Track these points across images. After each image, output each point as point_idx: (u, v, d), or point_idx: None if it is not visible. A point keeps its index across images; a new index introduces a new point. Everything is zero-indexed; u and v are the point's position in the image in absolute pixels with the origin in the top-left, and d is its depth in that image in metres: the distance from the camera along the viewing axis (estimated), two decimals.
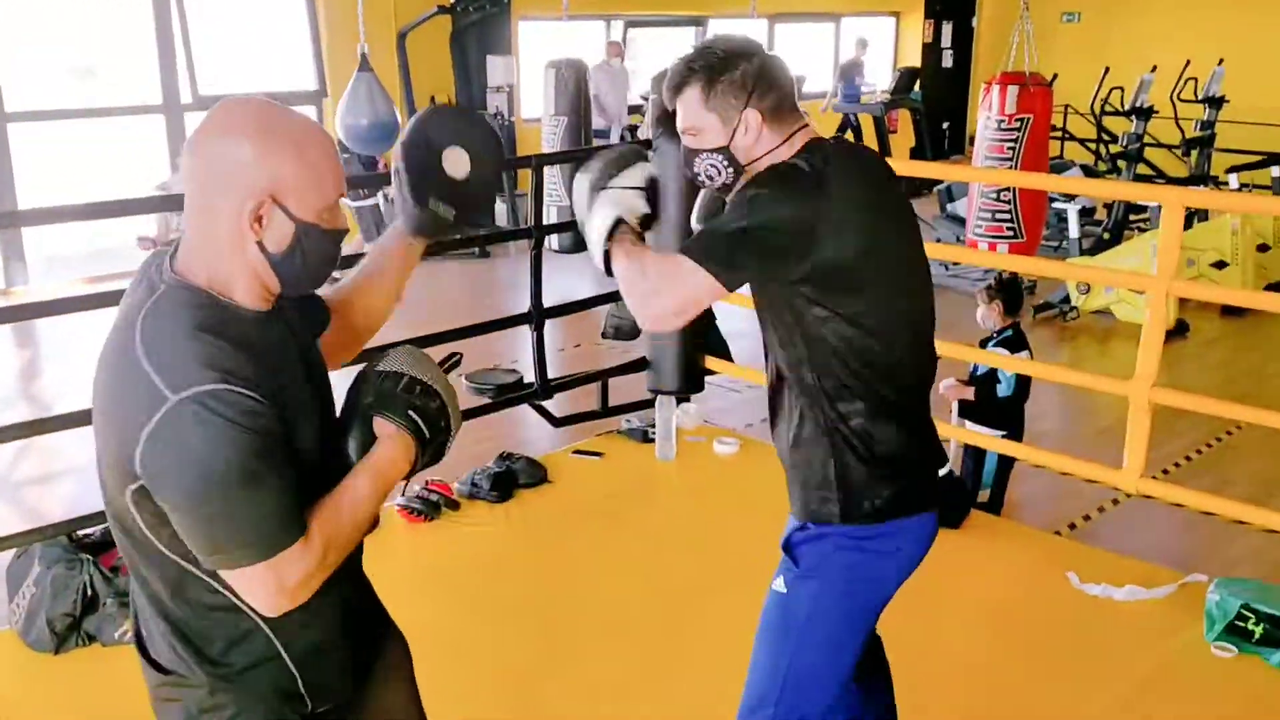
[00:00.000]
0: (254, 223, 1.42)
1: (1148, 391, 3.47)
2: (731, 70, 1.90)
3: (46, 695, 3.06)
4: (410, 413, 1.54)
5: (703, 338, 4.47)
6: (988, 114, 7.22)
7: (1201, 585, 3.42)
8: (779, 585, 2.05)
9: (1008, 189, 7.12)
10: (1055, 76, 8.77)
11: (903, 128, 13.94)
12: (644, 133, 4.41)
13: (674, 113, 2.00)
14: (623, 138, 9.73)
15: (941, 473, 3.92)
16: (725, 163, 1.95)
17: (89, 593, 3.17)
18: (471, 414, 4.28)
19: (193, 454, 1.32)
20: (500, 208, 10.09)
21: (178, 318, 1.39)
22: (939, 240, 9.14)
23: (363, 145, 8.18)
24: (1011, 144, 7.14)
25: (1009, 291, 4.40)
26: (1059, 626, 3.39)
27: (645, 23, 12.39)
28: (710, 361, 4.58)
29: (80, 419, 3.82)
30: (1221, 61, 10.86)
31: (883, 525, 1.98)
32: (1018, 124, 7.08)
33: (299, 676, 1.56)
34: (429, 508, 3.95)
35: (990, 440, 4.23)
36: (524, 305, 4.45)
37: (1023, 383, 4.35)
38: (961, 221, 8.67)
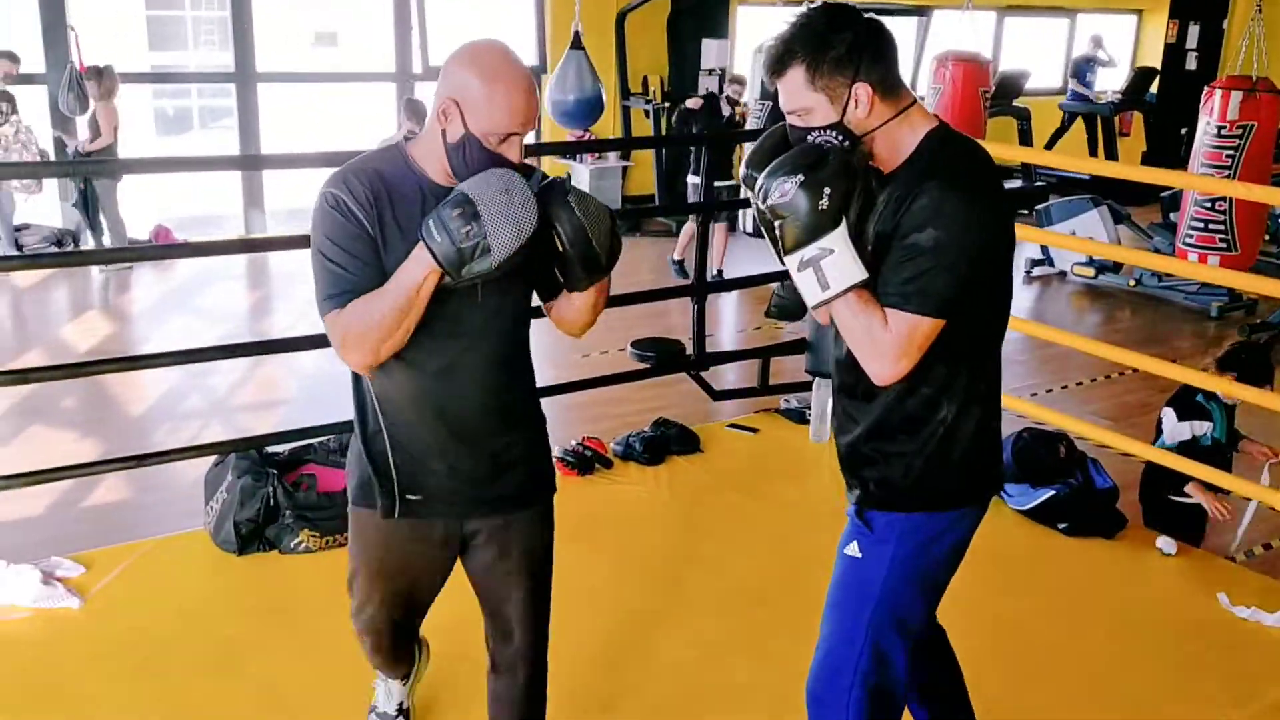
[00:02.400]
0: (441, 114, 1.92)
1: None
2: (836, 45, 1.85)
3: (229, 591, 3.44)
4: (430, 224, 1.86)
5: None
6: (1208, 119, 6.85)
7: None
8: (853, 550, 2.08)
9: (1224, 198, 6.74)
10: None
11: (1136, 131, 13.29)
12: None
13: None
14: None
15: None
16: (839, 137, 1.89)
17: (271, 503, 3.54)
18: (630, 378, 4.49)
19: (312, 221, 1.98)
20: (693, 180, 10.27)
21: (369, 154, 2.03)
22: (1155, 249, 8.73)
23: (566, 120, 8.48)
24: (1231, 152, 6.75)
25: (1233, 361, 3.86)
26: (1197, 645, 3.29)
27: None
28: None
29: (292, 345, 4.23)
30: None
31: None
32: (1239, 131, 6.68)
33: (391, 456, 2.07)
34: (581, 462, 4.17)
35: (1145, 449, 4.04)
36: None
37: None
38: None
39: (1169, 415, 3.97)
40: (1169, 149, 12.70)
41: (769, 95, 8.57)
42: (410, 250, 1.90)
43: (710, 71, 9.96)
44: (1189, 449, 3.91)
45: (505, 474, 2.12)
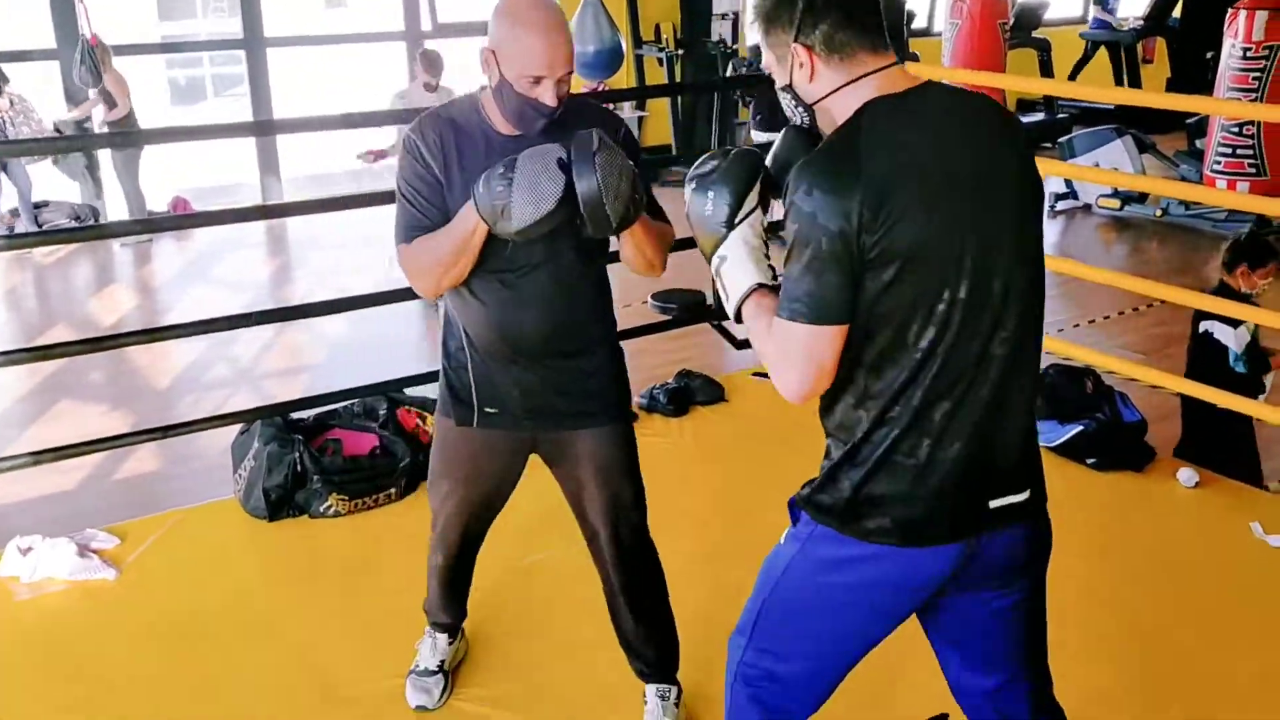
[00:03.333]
0: (484, 64, 2.09)
1: None
2: (786, 3, 1.68)
3: (262, 557, 3.47)
4: (482, 178, 2.03)
5: None
6: (1233, 41, 6.69)
7: None
8: (782, 536, 1.88)
9: (1251, 123, 6.60)
10: None
11: (1160, 58, 13.03)
12: None
13: None
14: None
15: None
16: (794, 103, 1.75)
17: (299, 469, 3.56)
18: (652, 330, 4.48)
19: None
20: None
21: (450, 101, 2.26)
22: (1182, 178, 8.58)
23: (588, 71, 8.39)
24: (1258, 74, 6.60)
25: (1241, 252, 3.86)
26: (1227, 575, 3.27)
27: None
28: None
29: (315, 310, 4.24)
30: None
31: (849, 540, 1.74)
32: (1265, 52, 6.53)
33: (471, 372, 2.30)
34: None
35: (1155, 374, 3.99)
36: None
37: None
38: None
39: (1221, 328, 3.89)
40: (1194, 74, 12.43)
41: None
42: (462, 199, 2.10)
43: (724, 16, 9.83)
44: (1221, 358, 3.88)
45: (570, 394, 2.30)
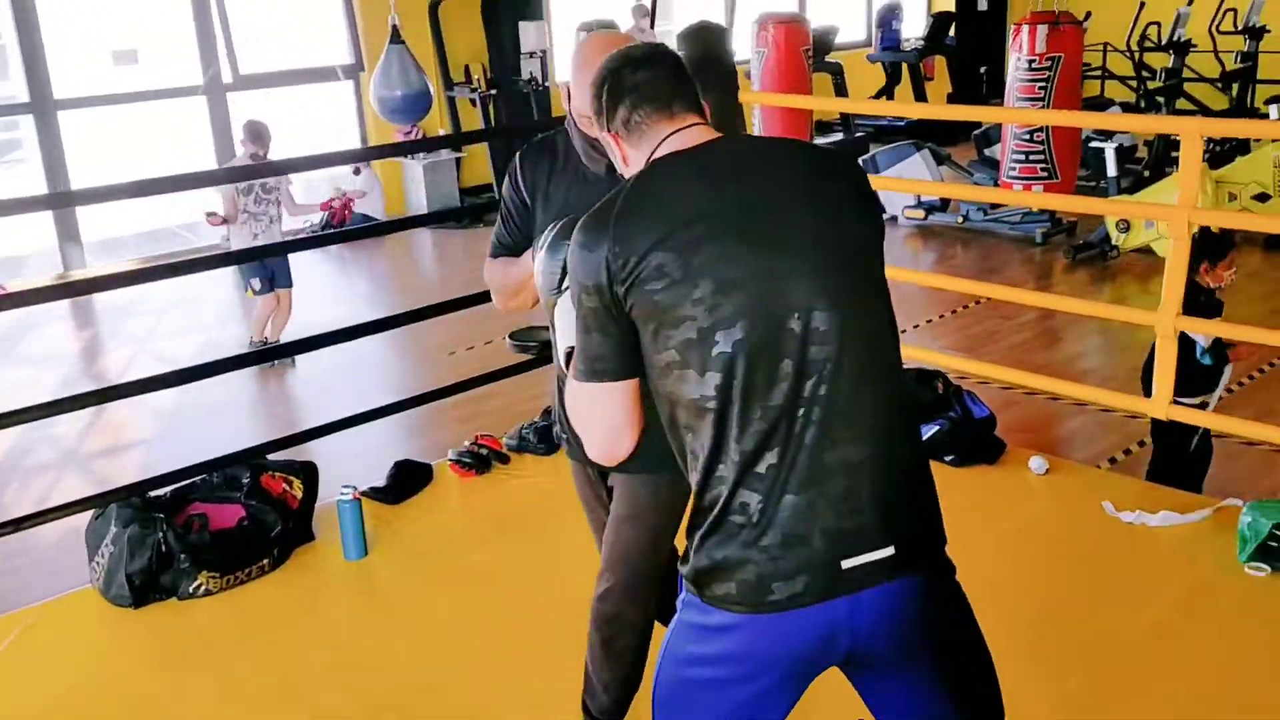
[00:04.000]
0: (564, 98, 2.20)
1: (1172, 320, 3.54)
2: (600, 95, 1.73)
3: (134, 646, 3.25)
4: (542, 236, 2.08)
5: None
6: (1018, 55, 7.20)
7: (1236, 510, 3.47)
8: None
9: (1041, 129, 7.09)
10: (1089, 15, 8.65)
11: (940, 74, 13.83)
12: None
13: None
14: None
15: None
16: None
17: (163, 549, 3.35)
18: (516, 370, 4.44)
19: None
20: None
21: (554, 132, 2.37)
22: (977, 185, 9.10)
23: (396, 117, 8.29)
24: (1043, 84, 7.11)
25: (1202, 250, 3.91)
26: (1092, 553, 3.47)
27: None
28: None
29: (139, 388, 4.01)
30: None
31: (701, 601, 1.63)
32: (1049, 63, 7.05)
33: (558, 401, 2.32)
34: (479, 462, 4.09)
35: (982, 367, 4.21)
36: None
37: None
38: (997, 165, 8.63)
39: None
40: (972, 88, 13.28)
41: None
42: (549, 221, 2.12)
43: (531, 54, 9.88)
44: (1189, 351, 4.00)
45: None
